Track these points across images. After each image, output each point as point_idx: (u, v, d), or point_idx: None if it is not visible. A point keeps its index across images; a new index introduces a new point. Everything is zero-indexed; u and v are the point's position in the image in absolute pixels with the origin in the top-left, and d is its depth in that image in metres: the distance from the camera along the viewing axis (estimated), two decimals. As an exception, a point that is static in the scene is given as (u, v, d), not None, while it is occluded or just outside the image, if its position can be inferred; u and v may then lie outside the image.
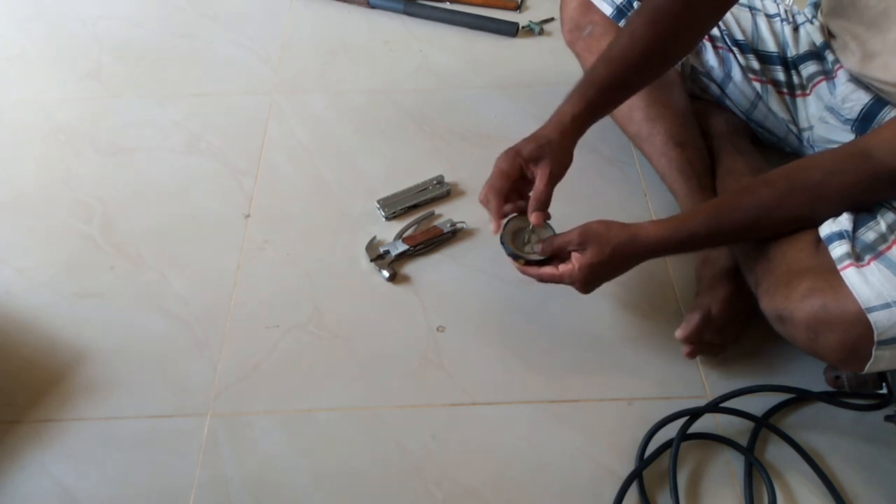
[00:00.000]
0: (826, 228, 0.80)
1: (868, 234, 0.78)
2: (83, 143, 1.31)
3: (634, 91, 0.98)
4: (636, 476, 0.88)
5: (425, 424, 0.95)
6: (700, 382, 0.98)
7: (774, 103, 1.10)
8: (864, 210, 0.81)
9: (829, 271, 0.76)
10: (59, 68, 1.47)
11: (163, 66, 1.46)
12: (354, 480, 0.90)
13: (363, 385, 0.99)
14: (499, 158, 0.94)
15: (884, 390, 0.93)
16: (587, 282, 0.90)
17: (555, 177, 0.93)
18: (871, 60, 0.92)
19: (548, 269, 0.91)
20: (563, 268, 0.90)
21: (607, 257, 0.87)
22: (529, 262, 0.94)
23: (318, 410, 0.96)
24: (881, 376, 0.93)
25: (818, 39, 1.06)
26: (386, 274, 1.09)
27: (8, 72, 1.46)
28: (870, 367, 0.75)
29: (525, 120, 1.19)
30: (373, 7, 1.57)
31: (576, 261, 0.89)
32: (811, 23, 1.08)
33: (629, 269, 0.91)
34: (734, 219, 0.86)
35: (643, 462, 0.89)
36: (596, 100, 0.93)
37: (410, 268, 1.11)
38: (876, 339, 0.72)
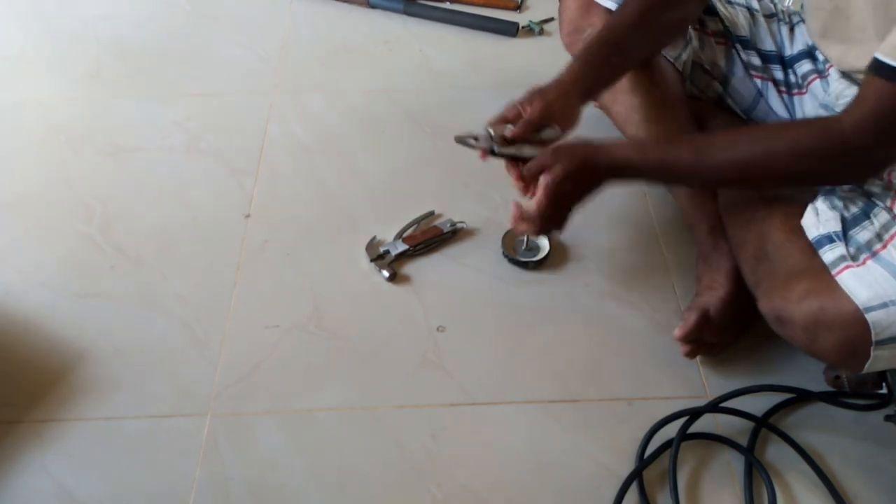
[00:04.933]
0: (813, 230, 0.80)
1: (862, 234, 0.79)
2: (83, 143, 1.31)
3: (632, 55, 1.01)
4: (636, 476, 0.88)
5: (425, 424, 0.95)
6: (700, 382, 0.98)
7: (774, 101, 1.10)
8: (839, 189, 0.82)
9: (827, 272, 0.76)
10: (59, 68, 1.47)
11: (163, 66, 1.46)
12: (354, 480, 0.90)
13: (363, 385, 0.99)
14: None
15: (884, 390, 0.93)
16: (555, 197, 0.90)
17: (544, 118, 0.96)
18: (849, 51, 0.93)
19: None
20: (535, 199, 0.92)
21: (576, 166, 0.89)
22: (517, 263, 1.08)
23: (318, 410, 0.96)
24: (881, 376, 0.93)
25: (810, 39, 1.06)
26: (386, 274, 1.09)
27: (8, 72, 1.46)
28: (869, 367, 0.75)
29: (525, 120, 1.19)
30: (373, 7, 1.57)
31: (544, 179, 0.90)
32: (804, 22, 1.08)
33: (596, 186, 0.92)
34: (681, 152, 0.88)
35: (643, 462, 0.89)
36: (594, 63, 0.98)
37: (410, 268, 1.11)
38: (874, 338, 0.73)
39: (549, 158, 0.90)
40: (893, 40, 0.72)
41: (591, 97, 1.00)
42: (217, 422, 0.95)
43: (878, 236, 0.78)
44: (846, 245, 0.77)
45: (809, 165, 0.80)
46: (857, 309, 0.73)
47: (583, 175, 0.90)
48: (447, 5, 1.57)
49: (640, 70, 1.09)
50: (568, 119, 0.97)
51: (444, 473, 0.90)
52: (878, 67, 0.74)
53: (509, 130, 0.94)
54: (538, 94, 0.96)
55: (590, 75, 0.98)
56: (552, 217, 0.93)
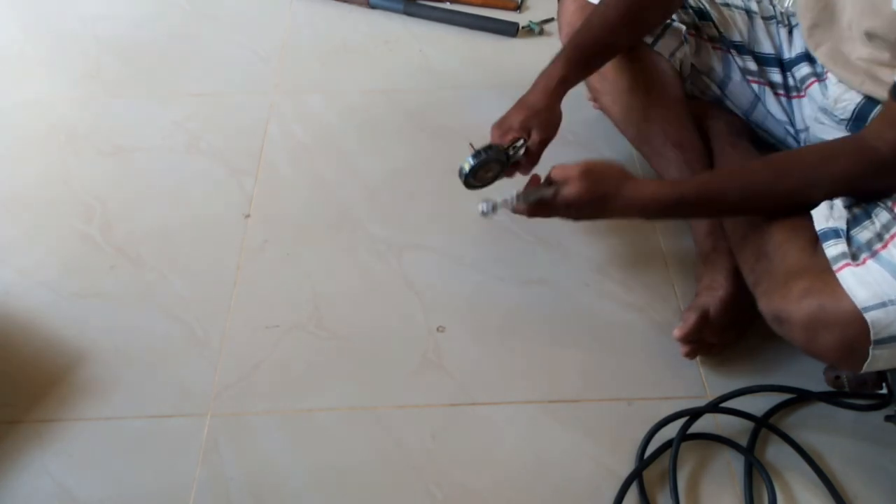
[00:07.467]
0: (822, 223, 0.80)
1: (863, 234, 0.79)
2: (83, 143, 1.31)
3: (616, 51, 1.06)
4: (636, 476, 0.88)
5: (425, 424, 0.95)
6: (700, 382, 0.98)
7: (772, 105, 1.10)
8: (861, 201, 0.82)
9: (826, 271, 0.77)
10: (59, 68, 1.47)
11: (163, 66, 1.46)
12: (354, 480, 0.90)
13: (363, 385, 0.99)
14: (493, 132, 1.01)
15: (884, 390, 0.93)
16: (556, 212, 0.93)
17: (545, 141, 1.01)
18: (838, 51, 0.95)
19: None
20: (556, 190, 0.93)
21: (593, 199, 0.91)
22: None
23: (318, 410, 0.96)
24: (881, 376, 0.93)
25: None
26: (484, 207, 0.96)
27: (8, 72, 1.46)
28: (867, 367, 0.75)
29: (525, 120, 1.19)
30: (373, 7, 1.57)
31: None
32: None
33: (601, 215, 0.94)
34: (724, 188, 0.89)
35: (643, 462, 0.89)
36: (580, 61, 1.02)
37: (410, 267, 1.11)
38: (873, 338, 0.73)
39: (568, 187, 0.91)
40: None
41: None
42: (217, 422, 0.95)
43: (879, 236, 0.78)
44: (848, 243, 0.77)
45: (850, 190, 0.84)
46: (855, 308, 0.73)
47: (594, 208, 0.92)
48: (447, 5, 1.57)
49: (640, 71, 1.09)
50: (556, 123, 1.03)
51: (443, 473, 0.90)
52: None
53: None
54: (532, 121, 1.00)
55: (578, 79, 1.04)
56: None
